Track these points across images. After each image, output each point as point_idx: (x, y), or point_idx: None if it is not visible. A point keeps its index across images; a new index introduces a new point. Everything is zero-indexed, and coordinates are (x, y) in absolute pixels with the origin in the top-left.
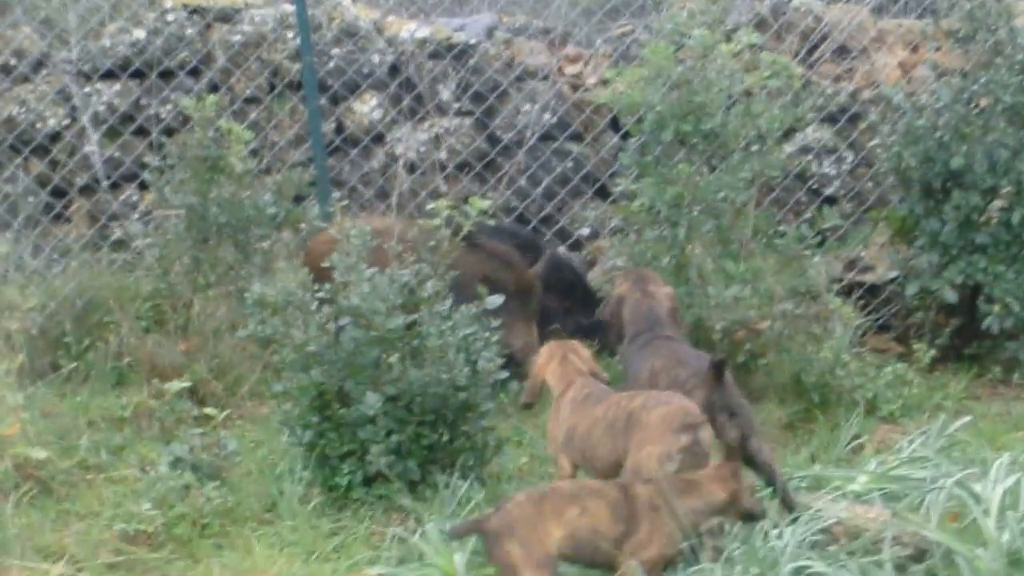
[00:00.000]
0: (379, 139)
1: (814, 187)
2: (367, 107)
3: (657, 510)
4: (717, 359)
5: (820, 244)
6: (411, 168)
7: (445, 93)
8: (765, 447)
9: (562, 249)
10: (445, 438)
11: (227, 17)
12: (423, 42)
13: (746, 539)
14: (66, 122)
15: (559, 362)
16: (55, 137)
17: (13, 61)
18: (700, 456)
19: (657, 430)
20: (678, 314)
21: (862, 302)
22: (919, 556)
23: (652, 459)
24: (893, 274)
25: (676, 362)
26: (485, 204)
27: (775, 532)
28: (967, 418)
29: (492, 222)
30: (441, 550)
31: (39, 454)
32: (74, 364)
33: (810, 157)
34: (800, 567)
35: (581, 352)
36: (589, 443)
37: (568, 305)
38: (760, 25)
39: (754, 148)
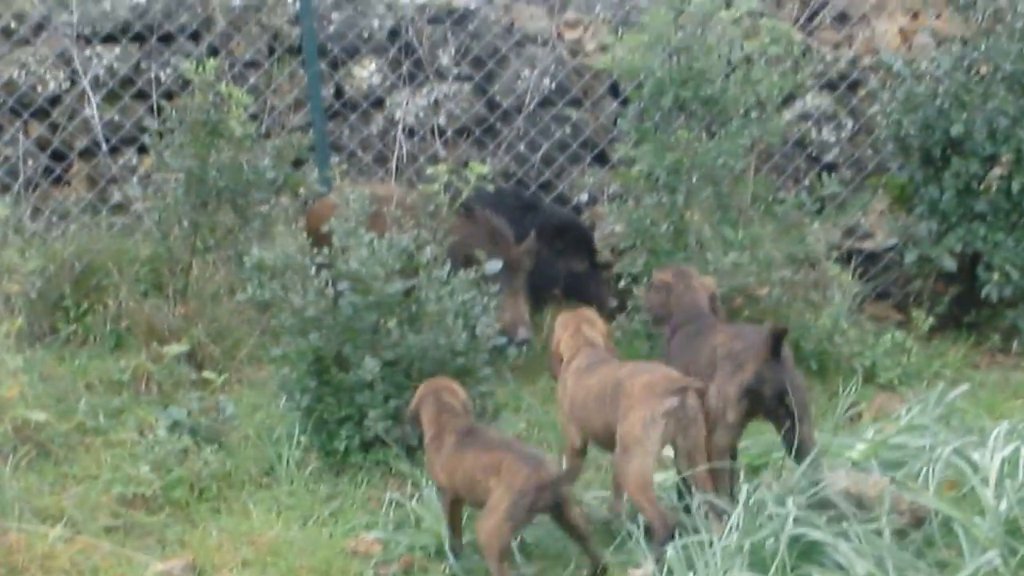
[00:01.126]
0: (378, 104)
1: (813, 154)
2: (366, 72)
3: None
4: (778, 329)
5: (819, 211)
6: (410, 133)
7: (444, 58)
8: (812, 437)
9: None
10: None
11: None
12: (423, 7)
13: (746, 506)
14: (66, 85)
15: (572, 333)
16: (55, 100)
17: (13, 24)
18: (686, 421)
19: (641, 396)
20: (717, 303)
21: (861, 269)
22: (917, 524)
23: (636, 424)
24: (892, 241)
25: (734, 336)
26: (484, 169)
27: (774, 499)
28: (965, 386)
29: (491, 187)
30: (438, 515)
31: (38, 416)
32: (73, 327)
33: (809, 124)
34: (799, 534)
35: (596, 322)
36: (585, 413)
37: (576, 268)
38: None
39: (753, 115)
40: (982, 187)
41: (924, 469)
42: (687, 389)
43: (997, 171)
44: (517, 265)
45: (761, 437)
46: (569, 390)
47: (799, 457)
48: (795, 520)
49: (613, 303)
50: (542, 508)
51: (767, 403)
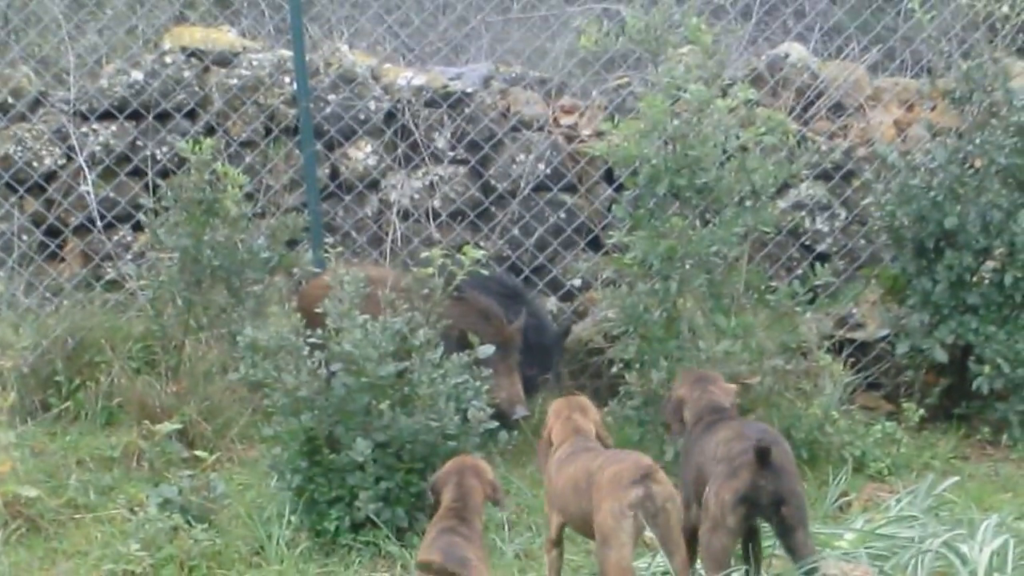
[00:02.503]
0: (374, 186)
1: (807, 243)
2: (362, 153)
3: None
4: (760, 446)
5: (811, 300)
6: (405, 215)
7: (440, 141)
8: (809, 544)
9: (551, 301)
10: None
11: (225, 61)
12: (419, 90)
13: None
14: (62, 161)
15: (563, 420)
16: (51, 176)
17: (11, 99)
18: (654, 510)
19: (609, 487)
20: (734, 407)
21: (852, 359)
22: None
23: (608, 516)
24: (884, 332)
25: (737, 435)
26: (479, 254)
27: None
28: (955, 478)
29: (485, 272)
30: None
31: (29, 492)
32: (65, 403)
33: (803, 213)
34: None
35: (589, 410)
36: (563, 501)
37: (530, 372)
38: (756, 81)
39: (748, 203)
40: (975, 279)
41: (913, 561)
42: (650, 476)
43: (990, 264)
44: (510, 344)
45: None
46: (551, 479)
47: (797, 561)
48: None
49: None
50: None
51: (763, 510)
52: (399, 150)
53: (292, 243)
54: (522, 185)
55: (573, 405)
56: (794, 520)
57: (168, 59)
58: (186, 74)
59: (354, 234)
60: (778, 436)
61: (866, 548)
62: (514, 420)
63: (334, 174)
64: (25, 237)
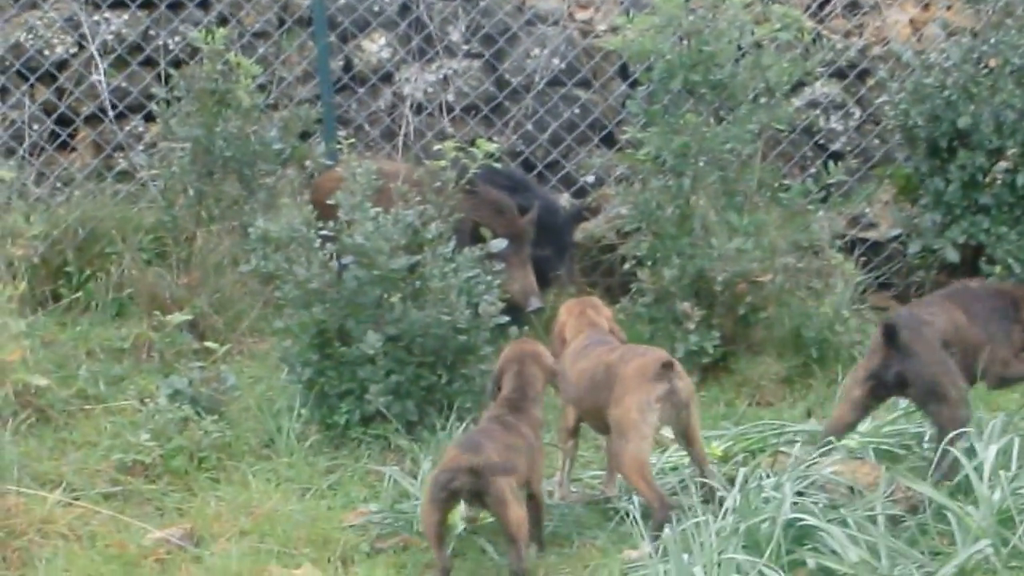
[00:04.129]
0: (387, 78)
1: (820, 142)
2: (376, 46)
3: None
4: (886, 324)
5: (824, 199)
6: (418, 109)
7: (455, 34)
8: (949, 417)
9: (564, 196)
10: (444, 380)
11: None
12: None
13: (742, 490)
14: (74, 50)
15: (576, 316)
16: (62, 65)
17: None
18: (679, 405)
19: (634, 381)
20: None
21: (864, 259)
22: (912, 511)
23: (632, 410)
24: (896, 232)
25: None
26: (492, 147)
27: (770, 484)
28: None
29: (499, 165)
30: None
31: (39, 381)
32: (75, 294)
33: (818, 112)
34: (794, 519)
35: (601, 308)
36: (578, 395)
37: (542, 253)
38: None
39: (762, 101)
40: (987, 180)
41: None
42: (674, 369)
43: (1003, 164)
44: (522, 236)
45: (760, 422)
46: (566, 371)
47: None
48: (791, 505)
49: (570, 288)
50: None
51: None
52: (413, 43)
53: (305, 135)
54: (536, 80)
55: (585, 303)
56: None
57: None
58: None
59: (367, 127)
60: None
61: (873, 445)
62: (528, 312)
63: (347, 66)
64: (36, 126)
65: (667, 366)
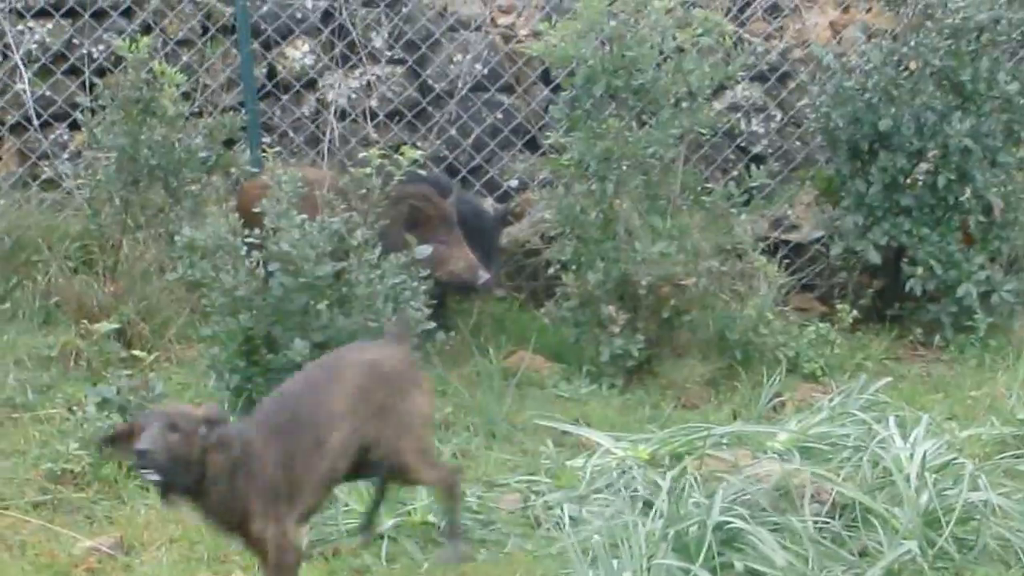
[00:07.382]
0: (311, 85)
1: (742, 145)
2: (299, 52)
3: None
4: None
5: (747, 202)
6: (342, 115)
7: (378, 41)
8: None
9: (489, 201)
10: None
11: None
12: None
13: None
14: None
15: None
16: None
17: None
18: None
19: None
20: None
21: (787, 261)
22: (839, 513)
23: None
24: (818, 234)
25: None
26: (416, 153)
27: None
28: (887, 379)
29: (423, 172)
30: (363, 497)
31: None
32: (2, 303)
33: (739, 115)
34: (722, 522)
35: None
36: None
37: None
38: None
39: (684, 105)
40: (908, 182)
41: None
42: None
43: (924, 166)
44: (448, 217)
45: (686, 425)
46: None
47: None
48: (720, 509)
49: (500, 293)
50: None
51: None
52: (336, 49)
53: (229, 143)
54: (459, 85)
55: None
56: None
57: None
58: None
59: (291, 134)
60: None
61: (799, 447)
62: (479, 286)
63: (271, 73)
64: None
65: None
